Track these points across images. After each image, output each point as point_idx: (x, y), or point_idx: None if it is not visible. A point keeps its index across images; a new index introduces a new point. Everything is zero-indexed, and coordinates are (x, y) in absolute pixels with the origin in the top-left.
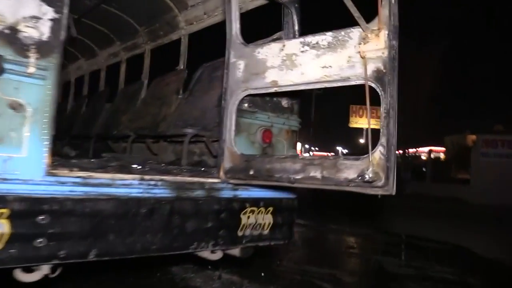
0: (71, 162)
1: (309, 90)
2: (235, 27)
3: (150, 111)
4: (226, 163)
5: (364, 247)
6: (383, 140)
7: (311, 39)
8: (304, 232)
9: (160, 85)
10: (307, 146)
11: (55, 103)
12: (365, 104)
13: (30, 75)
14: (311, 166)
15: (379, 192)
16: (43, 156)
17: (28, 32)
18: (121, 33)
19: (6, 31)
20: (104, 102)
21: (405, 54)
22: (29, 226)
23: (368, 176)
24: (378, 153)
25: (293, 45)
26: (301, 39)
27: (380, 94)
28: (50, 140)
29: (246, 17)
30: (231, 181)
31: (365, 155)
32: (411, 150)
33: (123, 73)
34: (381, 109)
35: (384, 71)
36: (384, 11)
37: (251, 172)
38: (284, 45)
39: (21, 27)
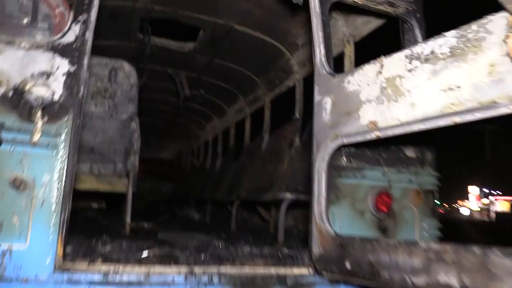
0: (98, 251)
1: (430, 130)
2: (319, 52)
3: (267, 169)
4: (315, 247)
5: None
6: None
7: (422, 48)
8: None
9: (278, 139)
10: (485, 190)
11: (71, 177)
12: None
13: (35, 145)
14: (439, 263)
15: None
16: (53, 247)
17: (36, 92)
18: (242, 87)
19: (10, 93)
20: (232, 161)
21: None
22: None
23: None
24: None
25: (395, 62)
26: (406, 51)
27: None
28: (63, 226)
29: (363, 46)
30: (323, 273)
31: None
32: None
33: (248, 129)
34: None
35: None
36: None
37: (348, 265)
38: (382, 65)
39: (28, 87)
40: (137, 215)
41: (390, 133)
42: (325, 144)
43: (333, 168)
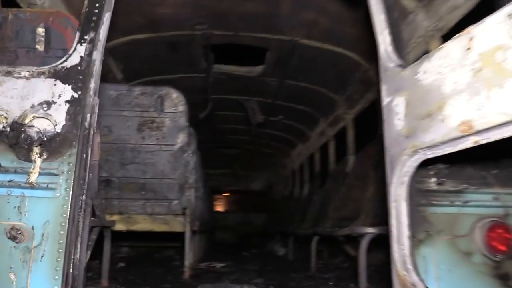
0: None
1: None
2: (383, 41)
3: (353, 195)
4: None
5: None
6: None
7: None
8: None
9: (363, 160)
10: None
11: (76, 222)
12: None
13: (33, 186)
14: None
15: None
16: None
17: (36, 125)
18: (320, 108)
19: (7, 130)
20: (318, 188)
21: None
22: None
23: None
24: None
25: (491, 29)
26: (507, 9)
27: None
28: (68, 280)
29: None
30: None
31: None
32: None
33: (332, 152)
34: None
35: None
36: None
37: None
38: (471, 38)
39: (27, 120)
40: (223, 250)
41: (495, 136)
42: (401, 161)
43: (418, 194)
